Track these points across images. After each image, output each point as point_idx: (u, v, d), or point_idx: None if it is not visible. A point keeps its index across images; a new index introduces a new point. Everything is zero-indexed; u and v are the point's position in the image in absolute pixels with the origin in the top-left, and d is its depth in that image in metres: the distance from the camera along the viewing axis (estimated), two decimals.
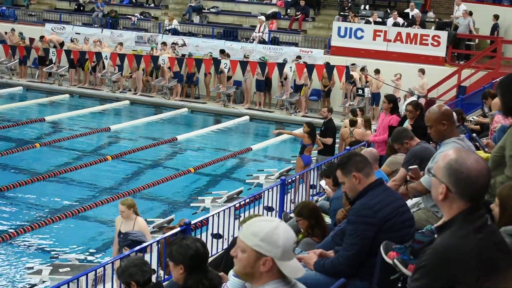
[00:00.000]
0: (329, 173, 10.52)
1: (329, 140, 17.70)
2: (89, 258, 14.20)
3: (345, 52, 29.06)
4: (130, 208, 11.39)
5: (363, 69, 27.50)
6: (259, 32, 31.70)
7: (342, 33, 29.51)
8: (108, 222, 16.71)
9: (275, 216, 13.25)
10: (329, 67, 27.66)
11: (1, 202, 17.55)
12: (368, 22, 30.35)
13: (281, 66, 28.30)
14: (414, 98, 21.90)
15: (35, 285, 11.78)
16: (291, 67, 28.10)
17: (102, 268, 9.82)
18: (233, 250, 4.14)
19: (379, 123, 15.32)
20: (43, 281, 11.26)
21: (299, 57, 28.68)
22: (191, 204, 16.21)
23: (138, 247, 10.09)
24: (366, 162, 6.45)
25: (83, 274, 9.49)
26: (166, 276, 10.01)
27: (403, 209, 6.41)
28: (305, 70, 27.76)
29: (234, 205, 12.79)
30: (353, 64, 27.74)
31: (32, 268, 12.65)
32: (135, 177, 20.34)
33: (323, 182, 10.99)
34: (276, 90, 28.98)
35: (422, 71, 26.01)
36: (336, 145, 18.96)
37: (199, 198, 16.42)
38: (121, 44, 31.52)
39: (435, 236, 4.12)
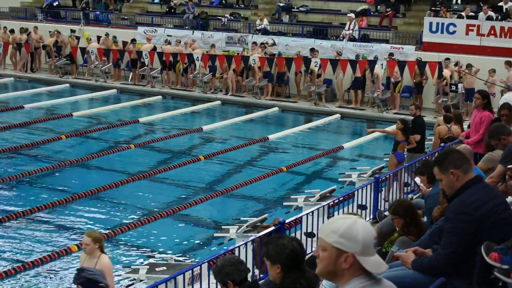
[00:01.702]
0: (423, 171, 10.39)
1: (417, 137, 17.43)
2: (185, 257, 14.34)
3: (437, 47, 28.60)
4: (95, 242, 9.81)
5: (456, 65, 27.05)
6: (349, 29, 31.49)
7: (433, 29, 29.08)
8: (202, 222, 16.90)
9: (369, 215, 13.16)
10: (421, 63, 27.32)
11: (97, 202, 17.89)
12: (460, 16, 29.78)
13: (372, 63, 28.09)
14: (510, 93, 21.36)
15: (132, 284, 11.96)
16: (382, 64, 27.86)
17: (199, 267, 9.89)
18: (315, 250, 4.16)
19: (471, 120, 15.01)
20: (140, 280, 11.41)
21: (391, 54, 28.38)
22: (284, 203, 16.17)
23: None
24: (464, 159, 6.32)
25: (180, 273, 9.58)
26: (261, 275, 10.03)
27: (503, 206, 6.25)
28: (397, 67, 27.49)
29: (327, 204, 12.74)
30: (447, 59, 27.28)
31: (129, 267, 12.87)
32: (227, 177, 20.45)
33: (417, 180, 10.86)
34: (368, 88, 28.75)
35: (509, 64, 25.45)
36: (427, 142, 18.70)
37: (291, 197, 16.38)
38: (213, 45, 31.74)
39: None
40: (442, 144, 15.72)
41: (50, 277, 13.78)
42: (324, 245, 4.03)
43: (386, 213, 11.67)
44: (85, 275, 9.04)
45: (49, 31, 35.05)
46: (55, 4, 39.11)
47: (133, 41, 32.89)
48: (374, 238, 4.12)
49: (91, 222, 16.50)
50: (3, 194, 18.48)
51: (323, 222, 12.01)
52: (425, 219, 9.26)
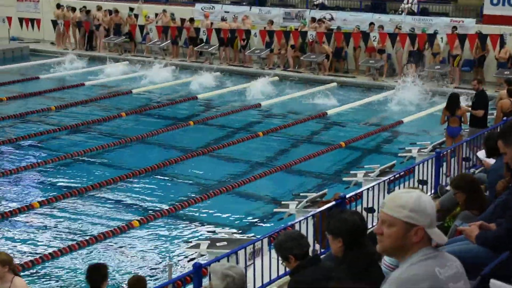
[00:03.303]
0: (488, 144, 10.28)
1: (480, 112, 17.18)
2: (245, 232, 14.41)
3: (498, 20, 28.11)
4: (3, 265, 8.71)
5: None
6: (408, 3, 31.16)
7: (495, 1, 28.58)
8: (262, 197, 16.94)
9: (430, 190, 13.06)
10: (482, 37, 26.89)
11: (157, 179, 18.07)
12: None
13: (431, 37, 27.77)
14: None
15: (194, 258, 12.06)
16: (442, 38, 27.53)
17: (260, 242, 9.94)
18: (377, 228, 4.18)
19: None
20: (201, 255, 11.51)
21: (454, 28, 27.96)
22: (343, 179, 16.15)
23: None
24: None
25: (241, 247, 9.63)
26: (322, 250, 10.04)
27: None
28: (457, 40, 27.14)
29: (387, 179, 12.67)
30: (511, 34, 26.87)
31: (190, 242, 13.00)
32: (286, 152, 20.46)
33: (480, 153, 10.74)
34: (428, 62, 28.44)
35: None
36: (490, 117, 18.47)
37: (351, 172, 16.36)
38: (271, 22, 31.69)
39: None
40: (504, 118, 15.51)
41: (113, 252, 14.00)
42: (391, 220, 4.07)
43: (448, 187, 11.57)
44: None
45: (108, 10, 35.32)
46: None
47: (192, 20, 32.97)
48: (436, 210, 4.20)
49: (152, 198, 16.70)
50: (66, 170, 18.79)
51: (383, 197, 11.95)
52: (487, 193, 9.17)
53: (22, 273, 12.91)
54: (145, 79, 29.71)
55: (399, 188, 12.41)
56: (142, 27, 34.15)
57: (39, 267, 13.27)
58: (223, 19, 33.19)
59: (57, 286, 12.78)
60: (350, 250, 6.12)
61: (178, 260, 13.22)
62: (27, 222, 15.43)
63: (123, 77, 30.24)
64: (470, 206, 8.65)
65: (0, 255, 8.92)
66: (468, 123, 17.29)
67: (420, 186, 12.81)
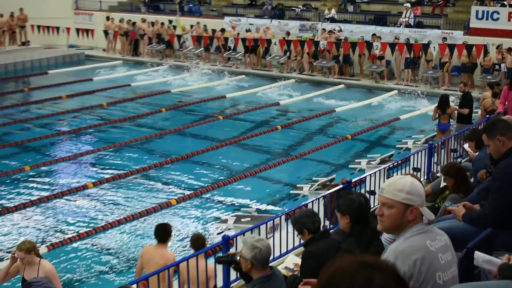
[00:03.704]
0: (472, 137, 10.26)
1: (465, 110, 17.18)
2: (266, 210, 14.45)
3: (482, 32, 27.89)
4: (30, 253, 8.38)
5: (498, 47, 26.44)
6: (405, 17, 30.99)
7: (480, 16, 28.37)
8: (280, 181, 16.96)
9: (423, 176, 13.03)
10: (468, 46, 26.78)
11: (192, 165, 18.13)
12: (503, 5, 28.93)
13: (425, 46, 27.71)
14: None
15: (222, 232, 12.10)
16: (434, 47, 27.46)
17: (278, 218, 9.96)
18: (377, 210, 4.25)
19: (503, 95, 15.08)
20: (229, 229, 11.55)
21: (444, 39, 27.84)
22: (350, 166, 16.14)
23: None
24: (509, 127, 6.26)
25: (262, 223, 9.66)
26: (331, 225, 10.06)
27: None
28: (447, 49, 27.05)
29: (387, 166, 12.66)
30: (497, 45, 26.71)
31: (219, 218, 13.05)
32: (300, 143, 20.46)
33: (466, 145, 10.71)
34: (422, 68, 28.35)
35: None
36: (475, 114, 18.41)
37: (356, 160, 16.33)
38: (288, 33, 31.67)
39: None
40: (487, 116, 15.44)
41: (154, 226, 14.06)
42: (391, 203, 4.13)
43: (438, 174, 11.54)
44: (34, 287, 7.71)
45: (151, 22, 35.44)
46: None
47: (223, 30, 32.99)
48: (427, 193, 4.29)
49: (187, 181, 16.76)
50: (115, 157, 18.90)
51: (383, 181, 11.94)
52: (472, 179, 9.14)
53: (78, 242, 13.08)
54: (181, 81, 29.81)
55: (397, 174, 12.39)
56: (179, 37, 34.27)
57: (94, 237, 13.39)
58: (247, 30, 33.23)
59: (106, 254, 12.89)
60: (356, 226, 6.16)
61: (209, 233, 13.28)
62: (83, 200, 15.57)
63: (163, 79, 30.31)
64: (457, 190, 8.64)
65: (24, 244, 8.46)
66: (456, 119, 17.28)
67: (415, 172, 12.77)
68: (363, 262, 2.07)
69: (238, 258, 6.46)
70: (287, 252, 9.61)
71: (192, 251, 9.21)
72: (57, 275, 8.59)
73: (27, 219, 14.35)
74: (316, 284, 2.05)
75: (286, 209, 11.22)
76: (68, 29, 36.63)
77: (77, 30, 36.96)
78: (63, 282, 11.71)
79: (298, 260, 7.88)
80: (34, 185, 16.44)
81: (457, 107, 17.46)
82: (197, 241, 9.24)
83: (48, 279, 8.11)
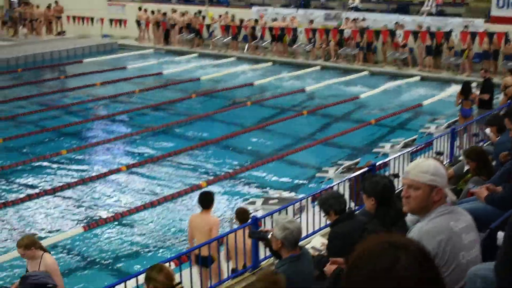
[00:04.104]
0: (493, 122, 10.13)
1: (486, 96, 16.99)
2: (293, 192, 14.41)
3: (503, 20, 27.46)
4: (29, 248, 8.10)
5: None
6: (427, 6, 30.65)
7: (500, 4, 27.97)
8: (306, 164, 16.91)
9: (446, 160, 12.92)
10: (489, 34, 26.43)
11: (222, 149, 18.16)
12: None
13: (447, 34, 27.39)
14: None
15: (251, 213, 12.11)
16: (456, 35, 27.14)
17: (305, 200, 9.95)
18: (404, 192, 4.25)
19: None
20: (256, 210, 11.56)
21: (466, 27, 27.49)
22: (373, 150, 16.04)
23: None
24: None
25: (290, 204, 9.66)
26: (356, 207, 10.01)
27: None
28: (468, 37, 26.72)
29: (410, 150, 12.56)
30: None
31: (248, 199, 13.06)
32: (325, 128, 20.39)
33: (488, 130, 10.59)
34: (444, 55, 28.03)
35: None
36: (496, 100, 18.20)
37: (380, 144, 16.25)
38: (311, 21, 31.48)
39: None
40: (509, 101, 15.25)
41: (186, 207, 14.14)
42: (417, 185, 4.14)
43: (461, 158, 11.43)
44: (29, 281, 7.36)
45: (181, 12, 35.43)
46: None
47: (256, 21, 32.84)
48: (450, 176, 4.29)
49: (216, 164, 16.80)
50: (147, 141, 18.99)
51: (407, 165, 11.83)
52: (494, 163, 9.04)
53: (112, 223, 13.19)
54: (210, 68, 29.82)
55: (420, 157, 12.29)
56: (208, 26, 34.22)
57: (127, 218, 13.50)
58: (274, 19, 33.07)
59: (139, 235, 12.98)
60: (381, 207, 6.12)
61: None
62: (116, 182, 15.68)
63: (193, 66, 30.33)
64: (479, 173, 8.53)
65: (23, 240, 8.20)
66: (477, 105, 17.11)
67: (438, 156, 12.66)
68: (389, 242, 2.04)
69: (269, 236, 6.49)
70: (314, 232, 9.59)
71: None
72: (58, 269, 8.27)
73: (63, 201, 14.50)
74: (346, 263, 2.04)
75: (312, 192, 11.20)
76: (101, 19, 36.77)
77: (110, 20, 37.05)
78: (97, 261, 11.85)
79: (324, 241, 7.86)
80: (70, 168, 16.60)
81: (478, 93, 17.29)
82: (243, 214, 9.60)
83: (48, 273, 7.73)
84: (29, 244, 8.09)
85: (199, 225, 9.65)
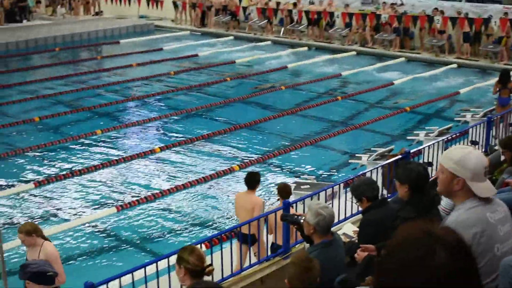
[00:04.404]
0: None
1: None
2: (325, 178, 14.40)
3: None
4: (30, 235, 7.85)
5: None
6: None
7: None
8: (339, 150, 16.84)
9: (481, 149, 12.76)
10: None
11: (256, 133, 18.17)
12: None
13: (486, 21, 26.96)
14: None
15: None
16: (495, 22, 26.71)
17: (337, 186, 9.92)
18: (436, 173, 4.26)
19: None
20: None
21: (506, 14, 27.02)
22: (408, 137, 15.91)
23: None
24: None
25: (321, 190, 9.63)
26: (389, 194, 9.96)
27: None
28: (508, 23, 26.28)
29: (445, 138, 12.45)
30: None
31: (263, 202, 13.03)
32: (360, 114, 20.25)
33: None
34: (482, 42, 27.60)
35: None
36: None
37: (414, 132, 16.10)
38: (347, 5, 31.24)
39: None
40: None
41: (219, 188, 14.21)
42: (442, 168, 4.12)
43: (496, 147, 11.28)
44: (29, 270, 7.17)
45: None
46: None
47: (295, 4, 32.68)
48: (485, 167, 4.13)
49: (249, 148, 16.83)
50: (181, 123, 19.09)
51: (441, 153, 11.73)
52: None
53: (145, 204, 13.31)
54: (245, 51, 29.79)
55: (454, 145, 12.16)
56: (244, 9, 34.20)
57: (160, 199, 13.61)
58: (311, 3, 32.87)
59: (171, 216, 13.09)
60: (414, 195, 6.07)
61: (270, 198, 13.34)
62: (150, 163, 15.80)
63: (228, 49, 30.34)
64: None
65: (25, 226, 8.04)
66: None
67: (473, 145, 12.52)
68: (426, 231, 2.01)
69: (302, 220, 6.49)
70: (345, 219, 9.58)
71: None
72: (58, 257, 7.97)
73: (97, 181, 14.66)
74: (377, 250, 2.02)
75: (344, 178, 11.17)
76: (139, 0, 36.95)
77: (147, 1, 37.22)
78: (130, 241, 11.98)
79: (356, 228, 7.85)
80: (104, 148, 16.77)
81: None
82: (285, 188, 9.77)
83: (47, 261, 7.50)
84: (30, 231, 7.86)
85: (243, 204, 9.88)
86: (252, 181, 9.88)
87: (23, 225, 8.09)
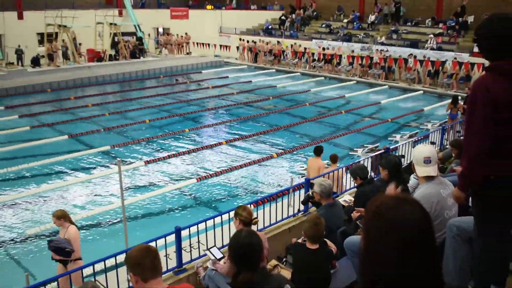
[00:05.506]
0: None
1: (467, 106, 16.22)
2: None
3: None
4: (59, 219, 7.10)
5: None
6: (430, 43, 29.25)
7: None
8: (341, 146, 16.50)
9: (437, 148, 12.44)
10: (471, 64, 25.19)
11: (287, 133, 18.01)
12: None
13: (443, 63, 26.23)
14: None
15: (303, 176, 11.99)
16: (449, 63, 26.04)
17: (341, 169, 9.80)
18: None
19: None
20: (302, 176, 11.41)
21: (456, 58, 26.29)
22: (389, 138, 15.70)
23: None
24: None
25: (330, 172, 9.51)
26: (374, 176, 9.80)
27: None
28: (457, 65, 25.54)
29: (413, 140, 12.14)
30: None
31: (303, 167, 12.94)
32: (358, 122, 19.79)
33: None
34: (440, 77, 26.86)
35: None
36: None
37: (393, 135, 15.83)
38: (352, 51, 30.68)
39: None
40: None
41: (261, 171, 14.14)
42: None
43: (448, 146, 11.01)
44: (52, 244, 6.79)
45: (266, 41, 35.29)
46: (269, 27, 39.25)
47: (324, 49, 32.32)
48: (425, 157, 4.15)
49: (283, 143, 16.69)
50: (239, 126, 19.03)
51: (411, 149, 11.49)
52: None
53: (216, 177, 13.30)
54: (283, 80, 29.63)
55: (414, 145, 11.85)
56: (283, 51, 34.01)
57: (226, 174, 13.60)
58: (326, 48, 32.48)
59: (231, 185, 13.09)
60: (392, 176, 5.99)
61: (295, 176, 13.25)
62: (219, 151, 15.83)
63: (272, 78, 30.22)
64: (460, 157, 8.22)
65: (57, 212, 7.18)
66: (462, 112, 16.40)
67: (431, 145, 12.21)
68: (398, 197, 1.99)
69: (312, 193, 6.47)
70: (345, 191, 9.48)
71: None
72: (78, 239, 7.10)
73: (185, 160, 14.79)
74: (365, 211, 2.00)
75: (345, 164, 11.03)
76: (214, 45, 37.13)
77: (220, 46, 37.36)
78: (205, 202, 12.02)
79: (352, 198, 7.77)
80: (190, 141, 16.89)
81: (463, 103, 16.55)
82: (335, 157, 10.10)
83: (68, 240, 6.92)
84: (60, 216, 7.12)
85: (312, 166, 10.07)
86: (318, 150, 10.15)
87: (56, 211, 7.21)
